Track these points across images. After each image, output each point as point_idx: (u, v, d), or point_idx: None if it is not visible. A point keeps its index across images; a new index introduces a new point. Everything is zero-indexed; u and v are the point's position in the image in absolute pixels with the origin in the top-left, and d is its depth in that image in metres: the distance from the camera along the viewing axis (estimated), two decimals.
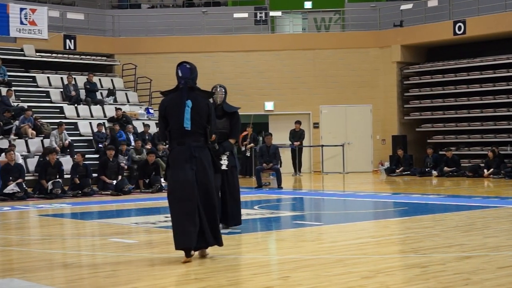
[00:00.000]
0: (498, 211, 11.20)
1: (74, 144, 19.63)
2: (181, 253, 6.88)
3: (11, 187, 15.28)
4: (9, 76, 22.23)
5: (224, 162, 8.90)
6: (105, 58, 25.37)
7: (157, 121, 22.47)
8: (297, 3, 26.20)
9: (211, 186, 7.04)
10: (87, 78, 23.27)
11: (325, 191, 17.10)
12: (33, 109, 20.38)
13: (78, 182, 16.34)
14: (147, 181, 17.29)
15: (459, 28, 22.60)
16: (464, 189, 16.62)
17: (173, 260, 6.93)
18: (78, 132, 21.23)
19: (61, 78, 23.51)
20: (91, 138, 20.85)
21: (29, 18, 23.22)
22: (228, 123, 9.00)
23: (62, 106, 22.19)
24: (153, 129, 21.85)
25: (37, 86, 23.02)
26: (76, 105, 22.33)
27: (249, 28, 25.79)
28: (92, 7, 27.09)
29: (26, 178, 16.34)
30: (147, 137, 20.95)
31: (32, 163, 18.12)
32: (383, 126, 24.49)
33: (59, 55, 24.30)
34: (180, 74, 7.11)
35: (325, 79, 24.70)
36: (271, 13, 25.78)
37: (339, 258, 7.03)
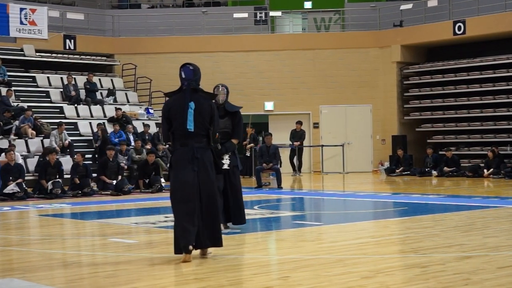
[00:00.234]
0: (498, 211, 11.20)
1: (74, 144, 19.63)
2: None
3: (11, 187, 15.28)
4: (9, 76, 22.23)
5: (226, 162, 8.91)
6: (105, 58, 25.37)
7: (157, 121, 22.56)
8: (297, 3, 26.20)
9: (213, 186, 7.06)
10: (87, 78, 23.27)
11: (325, 191, 17.10)
12: (33, 109, 20.38)
13: (78, 182, 16.34)
14: (147, 181, 17.29)
15: (459, 28, 22.61)
16: (464, 189, 16.63)
17: (173, 260, 6.92)
18: (78, 132, 21.24)
19: (61, 78, 23.51)
20: (91, 138, 20.85)
21: (29, 18, 23.22)
22: (230, 122, 9.01)
23: (62, 106, 22.20)
24: (153, 129, 21.86)
25: (37, 86, 23.01)
26: (76, 105, 22.33)
27: (249, 28, 25.79)
28: (92, 7, 27.09)
29: (26, 178, 16.34)
30: (147, 137, 20.95)
31: (32, 163, 18.12)
32: (383, 126, 24.50)
33: (59, 55, 24.30)
34: (183, 76, 7.15)
35: (325, 79, 24.71)
36: (271, 13, 25.79)
37: (339, 258, 7.03)
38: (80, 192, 16.07)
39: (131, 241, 8.60)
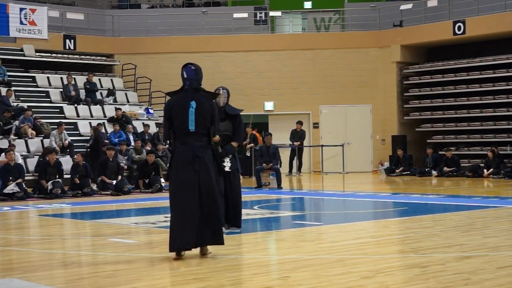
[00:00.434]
0: (498, 211, 11.20)
1: (74, 144, 19.63)
2: None
3: (11, 187, 15.28)
4: (9, 76, 22.22)
5: (227, 164, 8.90)
6: (105, 58, 25.37)
7: (157, 121, 22.56)
8: (297, 3, 26.20)
9: (214, 185, 7.07)
10: (87, 78, 23.27)
11: (325, 191, 17.10)
12: (33, 109, 20.37)
13: (78, 182, 16.34)
14: (146, 181, 17.29)
15: (459, 28, 22.61)
16: (464, 189, 16.63)
17: (173, 260, 6.94)
18: (78, 132, 21.24)
19: (61, 78, 23.51)
20: None
21: (29, 18, 23.22)
22: (231, 125, 9.01)
23: (62, 106, 22.19)
24: (153, 129, 21.86)
25: (37, 86, 23.01)
26: (76, 105, 22.33)
27: (249, 28, 25.79)
28: (92, 7, 27.09)
29: (26, 178, 16.34)
30: (147, 137, 20.95)
31: (32, 163, 18.12)
32: (383, 126, 24.50)
33: (59, 55, 24.30)
34: (185, 76, 7.18)
35: (325, 79, 24.71)
36: (271, 13, 25.79)
37: (339, 258, 7.03)
38: (80, 192, 16.07)
39: (131, 241, 8.60)
